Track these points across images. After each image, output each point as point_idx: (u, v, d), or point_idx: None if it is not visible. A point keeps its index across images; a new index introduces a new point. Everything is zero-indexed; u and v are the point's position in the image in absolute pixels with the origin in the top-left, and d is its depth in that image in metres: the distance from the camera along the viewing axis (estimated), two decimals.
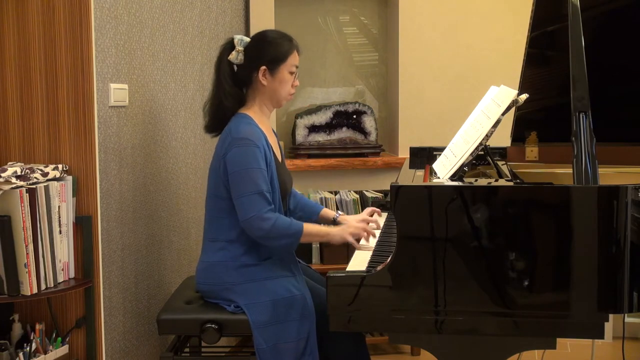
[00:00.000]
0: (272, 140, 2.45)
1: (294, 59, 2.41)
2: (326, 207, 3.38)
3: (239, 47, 2.38)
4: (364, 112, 3.78)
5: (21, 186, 1.94)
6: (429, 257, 1.90)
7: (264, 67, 2.36)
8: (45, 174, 2.03)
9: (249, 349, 2.28)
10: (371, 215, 2.58)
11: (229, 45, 2.41)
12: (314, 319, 2.30)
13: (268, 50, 2.37)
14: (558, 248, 1.88)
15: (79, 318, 2.17)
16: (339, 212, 2.66)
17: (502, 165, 2.62)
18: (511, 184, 2.05)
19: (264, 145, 2.31)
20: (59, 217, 2.07)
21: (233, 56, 2.39)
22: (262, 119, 2.43)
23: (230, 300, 2.33)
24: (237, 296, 2.31)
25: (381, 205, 2.93)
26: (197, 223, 3.02)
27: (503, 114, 2.14)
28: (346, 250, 3.35)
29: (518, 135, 2.86)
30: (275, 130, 2.62)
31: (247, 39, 2.41)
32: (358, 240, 2.42)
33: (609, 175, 2.53)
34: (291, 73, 2.40)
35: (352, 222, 2.45)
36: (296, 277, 2.37)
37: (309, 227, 2.33)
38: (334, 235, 2.39)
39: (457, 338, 1.96)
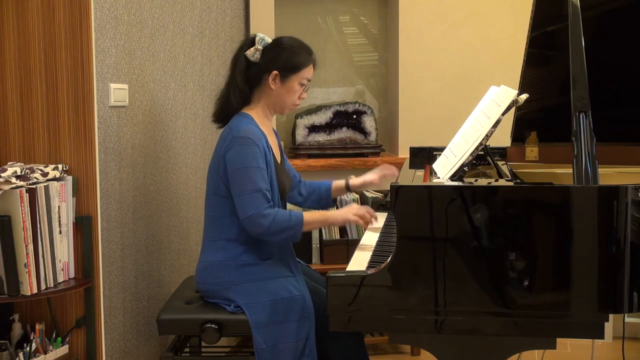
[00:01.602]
0: (272, 142, 2.45)
1: (307, 72, 2.41)
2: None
3: (259, 46, 2.38)
4: (364, 112, 3.78)
5: (21, 186, 1.94)
6: (429, 257, 1.90)
7: (275, 72, 2.37)
8: (45, 174, 2.03)
9: (249, 349, 2.28)
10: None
11: (250, 42, 2.41)
12: (313, 319, 2.30)
13: (284, 56, 2.37)
14: (558, 248, 1.88)
15: (79, 318, 2.17)
16: (350, 176, 2.70)
17: (502, 165, 2.62)
18: (511, 184, 2.05)
19: (264, 146, 2.31)
20: (59, 217, 2.07)
21: (250, 52, 2.38)
22: (264, 120, 2.44)
23: (230, 300, 2.33)
24: (237, 296, 2.31)
25: (381, 205, 2.93)
26: (197, 223, 3.02)
27: (503, 114, 2.14)
28: (346, 250, 3.35)
29: (518, 135, 2.86)
30: (276, 131, 2.62)
31: (269, 40, 2.40)
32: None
33: (609, 175, 2.53)
34: (301, 85, 2.41)
35: (354, 205, 2.47)
36: (296, 277, 2.37)
37: (308, 215, 2.31)
38: (335, 217, 2.38)
39: (457, 338, 1.96)
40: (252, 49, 2.38)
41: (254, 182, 2.25)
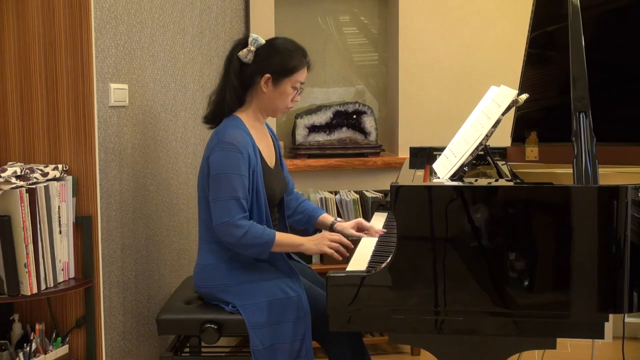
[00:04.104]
0: (264, 145, 2.43)
1: (300, 75, 2.36)
2: (326, 207, 3.39)
3: (252, 47, 2.34)
4: (364, 112, 3.78)
5: (21, 186, 1.94)
6: (429, 257, 1.90)
7: (267, 75, 2.33)
8: (45, 174, 2.03)
9: (249, 349, 2.28)
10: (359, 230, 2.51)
11: (243, 42, 2.38)
12: (310, 319, 2.29)
13: (277, 59, 2.33)
14: (558, 248, 1.88)
15: (79, 318, 2.17)
16: (338, 218, 2.62)
17: (502, 165, 2.62)
18: (511, 184, 2.05)
19: (248, 152, 2.28)
20: (59, 217, 2.07)
21: (243, 53, 2.35)
22: (255, 123, 2.41)
23: (227, 302, 2.33)
24: (233, 297, 2.31)
25: (381, 205, 2.92)
26: (196, 223, 3.00)
27: (503, 114, 2.14)
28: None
29: (518, 135, 2.86)
30: (275, 133, 2.60)
31: (262, 41, 2.37)
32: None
33: (609, 175, 2.53)
34: (294, 88, 2.37)
35: (326, 234, 2.35)
36: (292, 278, 2.36)
37: (281, 237, 2.28)
38: (309, 247, 2.31)
39: (457, 338, 1.96)
40: (244, 50, 2.35)
41: (232, 189, 2.23)
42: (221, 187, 2.24)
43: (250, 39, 2.35)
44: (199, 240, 2.43)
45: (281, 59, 2.34)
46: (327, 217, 2.61)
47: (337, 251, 2.30)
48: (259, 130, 2.42)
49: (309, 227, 2.63)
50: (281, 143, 2.97)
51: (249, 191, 2.28)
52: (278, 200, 2.51)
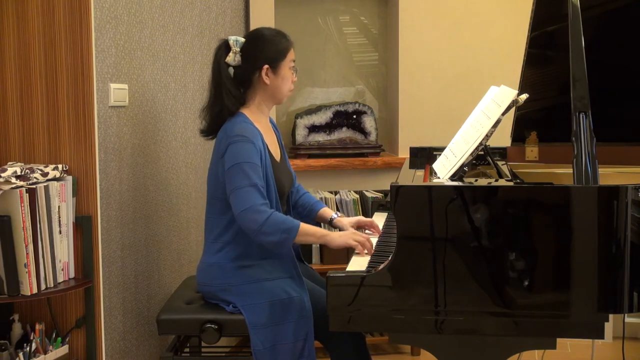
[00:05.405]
0: (270, 139, 2.44)
1: (292, 55, 2.42)
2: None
3: (236, 48, 2.37)
4: (364, 112, 3.78)
5: (21, 186, 1.94)
6: (429, 257, 1.90)
7: (266, 66, 2.36)
8: (45, 174, 2.03)
9: (249, 349, 2.28)
10: (357, 228, 2.54)
11: (224, 47, 2.40)
12: (312, 320, 2.29)
13: (268, 48, 2.37)
14: (558, 248, 1.88)
15: (78, 318, 2.17)
16: (338, 213, 2.63)
17: (502, 165, 2.62)
18: (511, 184, 2.05)
19: (259, 144, 2.30)
20: (59, 217, 2.07)
21: (230, 58, 2.37)
22: (260, 117, 2.43)
23: (229, 302, 2.33)
24: (235, 297, 2.31)
25: (381, 205, 2.92)
26: (197, 223, 3.01)
27: (503, 114, 2.14)
28: (346, 250, 3.35)
29: (518, 135, 2.86)
30: (276, 126, 2.61)
31: (242, 39, 2.40)
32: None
33: (609, 175, 2.53)
34: (291, 68, 2.41)
35: (354, 231, 2.36)
36: (294, 279, 2.36)
37: (305, 226, 2.26)
38: (333, 239, 2.29)
39: (457, 338, 1.96)
40: (230, 54, 2.37)
41: (249, 177, 2.23)
42: (238, 177, 2.24)
43: (231, 42, 2.38)
44: (205, 239, 2.43)
45: (271, 46, 2.38)
46: (327, 211, 2.62)
47: (362, 246, 2.27)
48: (263, 125, 2.43)
49: (309, 220, 2.62)
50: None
51: None
52: (287, 193, 2.52)
